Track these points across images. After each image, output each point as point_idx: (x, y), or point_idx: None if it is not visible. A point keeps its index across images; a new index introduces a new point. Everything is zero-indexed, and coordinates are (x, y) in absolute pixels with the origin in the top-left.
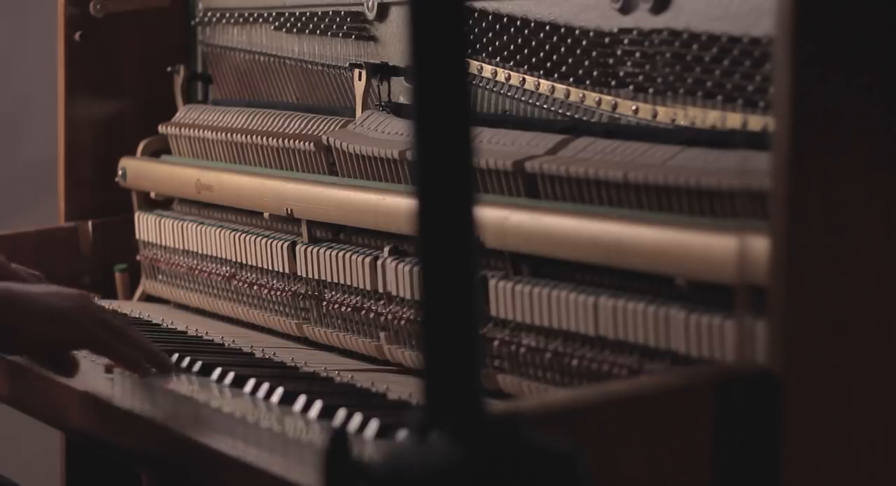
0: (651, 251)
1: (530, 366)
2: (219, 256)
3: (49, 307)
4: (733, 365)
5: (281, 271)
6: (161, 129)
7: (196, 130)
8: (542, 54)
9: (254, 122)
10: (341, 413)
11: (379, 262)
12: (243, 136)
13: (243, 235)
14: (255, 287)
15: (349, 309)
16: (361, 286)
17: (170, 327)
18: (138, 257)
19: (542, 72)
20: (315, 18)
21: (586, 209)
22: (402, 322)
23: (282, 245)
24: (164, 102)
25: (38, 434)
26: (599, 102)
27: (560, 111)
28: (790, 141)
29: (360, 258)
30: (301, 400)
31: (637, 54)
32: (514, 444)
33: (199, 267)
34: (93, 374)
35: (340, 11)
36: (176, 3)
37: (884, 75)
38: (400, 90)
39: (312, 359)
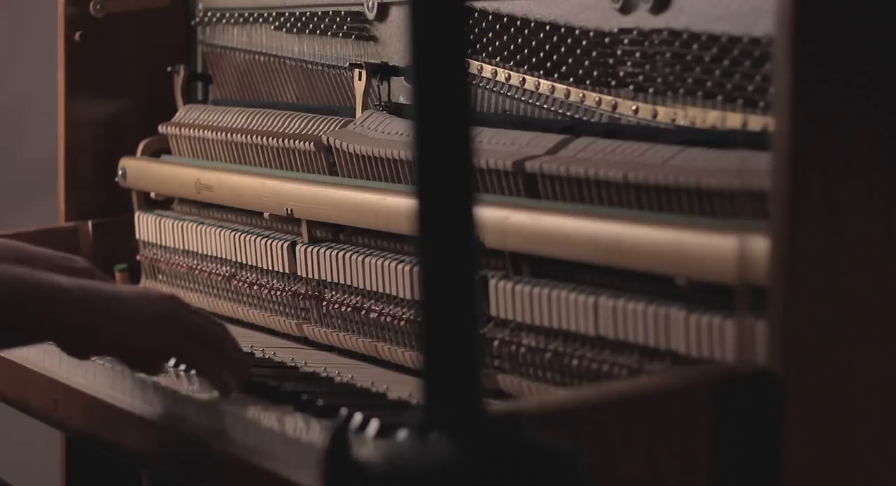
0: (651, 251)
1: (530, 366)
2: (219, 256)
3: (136, 312)
4: (733, 365)
5: (281, 271)
6: (161, 129)
7: (196, 130)
8: (542, 54)
9: (254, 122)
10: (341, 413)
11: (379, 262)
12: (243, 136)
13: (243, 235)
14: (255, 287)
15: (349, 309)
16: (361, 286)
17: None
18: (138, 257)
19: (542, 72)
20: (315, 18)
21: (586, 209)
22: (402, 322)
23: (282, 245)
24: (164, 102)
25: (38, 434)
26: (599, 102)
27: (560, 111)
28: (790, 141)
29: (360, 258)
30: (301, 400)
31: (637, 54)
32: (514, 444)
33: (199, 267)
34: (93, 374)
35: (340, 11)
36: (176, 3)
37: (884, 75)
38: (400, 90)
39: (312, 359)
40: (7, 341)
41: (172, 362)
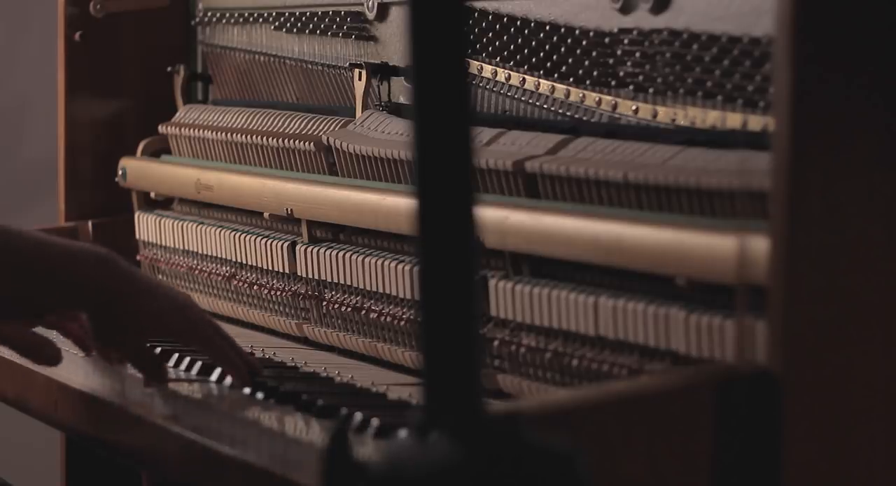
0: (651, 251)
1: (530, 366)
2: (219, 256)
3: (170, 291)
4: (733, 365)
5: (281, 271)
6: (161, 129)
7: (196, 130)
8: (542, 54)
9: (254, 122)
10: (341, 413)
11: (379, 262)
12: (243, 136)
13: (243, 235)
14: (255, 287)
15: (349, 309)
16: (361, 286)
17: None
18: (138, 257)
19: (542, 72)
20: (315, 18)
21: (586, 209)
22: (402, 322)
23: (282, 245)
24: (164, 102)
25: (38, 434)
26: (599, 102)
27: (560, 111)
28: (790, 141)
29: (360, 258)
30: (301, 400)
31: (637, 54)
32: (514, 444)
33: (199, 267)
34: (93, 374)
35: (340, 11)
36: (176, 3)
37: (884, 75)
38: (400, 90)
39: (312, 359)
40: (20, 312)
41: (173, 361)
